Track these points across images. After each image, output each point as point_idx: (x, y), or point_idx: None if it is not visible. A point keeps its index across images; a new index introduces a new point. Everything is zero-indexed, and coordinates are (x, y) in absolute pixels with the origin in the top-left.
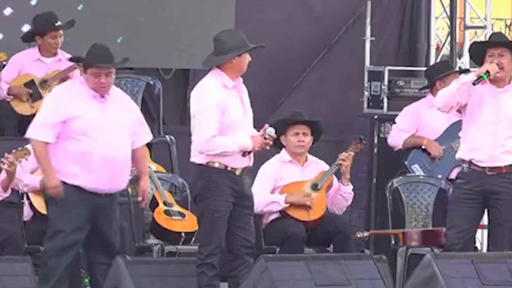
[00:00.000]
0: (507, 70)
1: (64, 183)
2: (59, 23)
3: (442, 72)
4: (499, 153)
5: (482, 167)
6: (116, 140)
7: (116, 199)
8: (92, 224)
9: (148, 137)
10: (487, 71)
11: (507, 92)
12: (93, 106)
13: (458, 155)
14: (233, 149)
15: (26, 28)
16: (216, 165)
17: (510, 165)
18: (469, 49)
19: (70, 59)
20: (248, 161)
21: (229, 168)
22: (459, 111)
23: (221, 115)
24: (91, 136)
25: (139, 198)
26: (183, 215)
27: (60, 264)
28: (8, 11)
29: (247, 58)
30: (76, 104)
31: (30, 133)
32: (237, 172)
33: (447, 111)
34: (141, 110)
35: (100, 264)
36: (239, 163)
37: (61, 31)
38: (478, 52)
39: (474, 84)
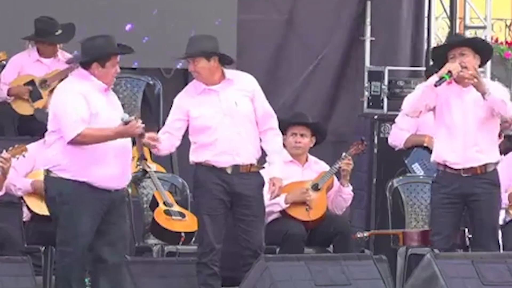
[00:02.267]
0: (471, 68)
1: (76, 181)
2: (59, 32)
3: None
4: (473, 152)
5: (457, 170)
6: None
7: (125, 194)
8: (102, 220)
9: None
10: (449, 71)
11: (472, 91)
12: (103, 100)
13: (432, 158)
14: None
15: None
16: (203, 163)
17: (484, 165)
18: (431, 55)
19: (81, 64)
20: (232, 160)
21: (217, 166)
22: None
23: (183, 115)
24: None
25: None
26: (183, 215)
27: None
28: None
29: (190, 66)
30: (91, 101)
31: (69, 135)
32: (228, 171)
33: (416, 116)
34: (141, 109)
35: (103, 263)
36: (224, 161)
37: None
38: (441, 57)
39: (435, 85)
